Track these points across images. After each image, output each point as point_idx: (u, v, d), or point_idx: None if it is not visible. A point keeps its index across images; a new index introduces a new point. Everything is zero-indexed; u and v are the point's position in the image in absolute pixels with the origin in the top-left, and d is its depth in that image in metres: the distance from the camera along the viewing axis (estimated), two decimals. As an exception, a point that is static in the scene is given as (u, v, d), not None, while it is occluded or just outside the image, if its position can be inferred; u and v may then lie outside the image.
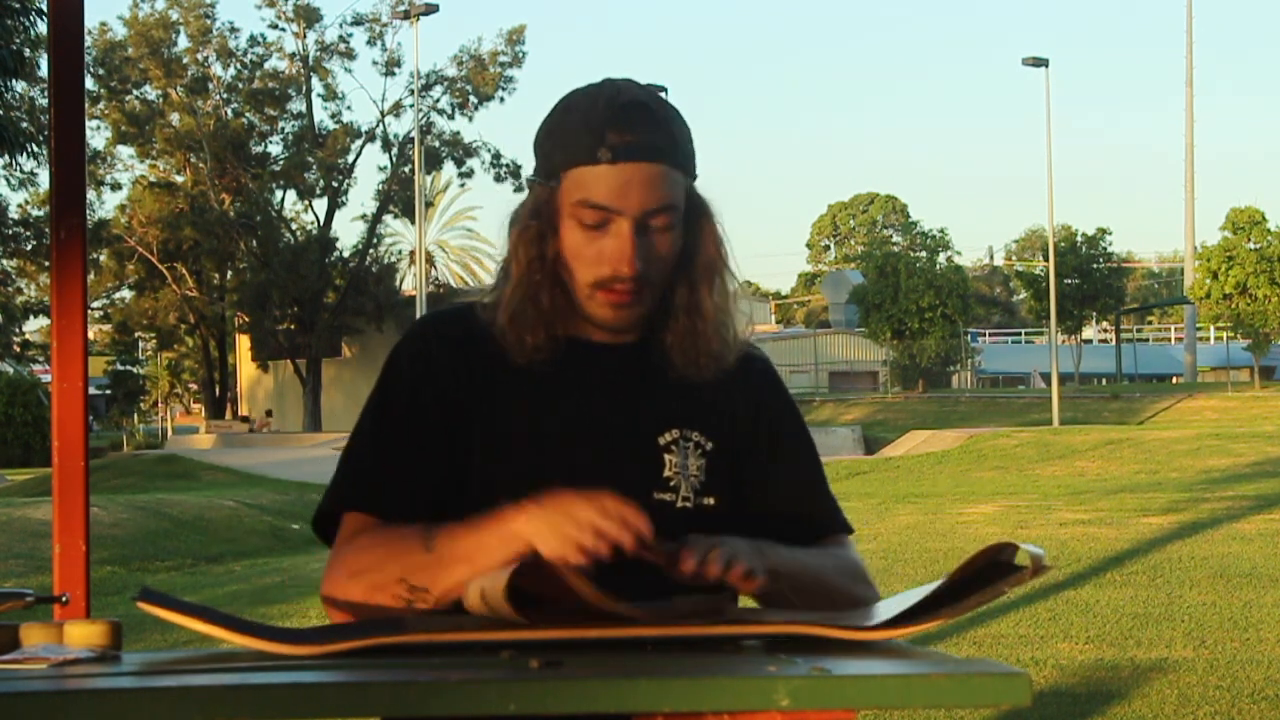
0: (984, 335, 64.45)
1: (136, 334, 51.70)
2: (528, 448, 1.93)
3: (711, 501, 1.96)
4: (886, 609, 1.73)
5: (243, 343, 49.63)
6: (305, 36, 46.40)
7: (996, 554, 1.73)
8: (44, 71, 24.28)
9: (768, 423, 2.04)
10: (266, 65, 46.98)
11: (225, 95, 46.94)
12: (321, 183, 46.52)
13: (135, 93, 46.07)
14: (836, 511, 2.08)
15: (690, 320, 1.95)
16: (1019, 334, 69.55)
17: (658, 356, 1.97)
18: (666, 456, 1.95)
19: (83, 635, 1.66)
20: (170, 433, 52.74)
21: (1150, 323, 76.18)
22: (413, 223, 42.15)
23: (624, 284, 1.89)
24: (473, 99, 45.95)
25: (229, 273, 48.51)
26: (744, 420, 2.02)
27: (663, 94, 1.99)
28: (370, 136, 46.48)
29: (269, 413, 47.36)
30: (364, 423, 1.98)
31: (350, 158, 46.56)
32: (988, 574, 1.72)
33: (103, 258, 46.19)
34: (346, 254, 47.06)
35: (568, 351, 1.95)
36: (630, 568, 1.75)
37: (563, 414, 1.94)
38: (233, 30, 46.57)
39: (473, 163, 47.04)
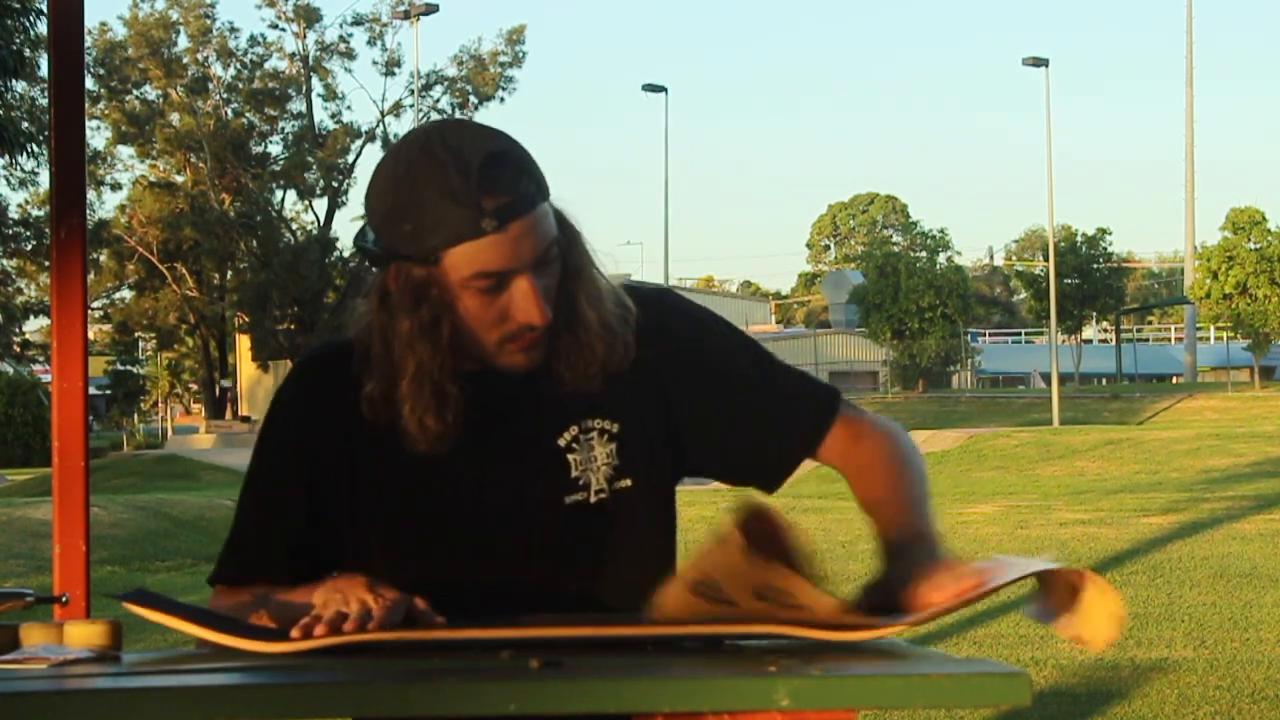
0: (984, 335, 64.43)
1: (136, 334, 51.71)
2: (430, 486, 1.89)
3: (628, 484, 1.92)
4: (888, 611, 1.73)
5: (243, 343, 49.63)
6: (305, 36, 46.42)
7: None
8: (44, 71, 24.27)
9: (690, 367, 1.96)
10: (266, 65, 47.00)
11: (225, 95, 46.94)
12: (321, 183, 46.53)
13: (135, 93, 46.08)
14: (812, 401, 1.99)
15: (575, 335, 1.88)
16: (1019, 334, 69.54)
17: (546, 373, 1.91)
18: (570, 457, 1.91)
19: (83, 635, 1.66)
20: (170, 433, 52.72)
21: (1150, 323, 76.17)
22: (413, 223, 42.10)
23: (532, 332, 1.84)
24: (473, 99, 45.95)
25: (229, 273, 48.52)
26: (659, 379, 1.95)
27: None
28: (370, 136, 46.48)
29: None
30: (243, 488, 1.99)
31: (350, 158, 46.58)
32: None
33: (103, 258, 46.20)
34: (346, 254, 47.05)
35: (462, 384, 1.88)
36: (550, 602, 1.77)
37: (465, 447, 1.88)
38: (233, 30, 46.59)
39: (472, 163, 47.02)
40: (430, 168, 1.79)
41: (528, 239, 1.80)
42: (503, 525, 1.89)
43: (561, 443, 1.91)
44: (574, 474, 1.91)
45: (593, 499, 1.90)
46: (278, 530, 1.95)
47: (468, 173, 1.78)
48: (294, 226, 47.85)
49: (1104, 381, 52.43)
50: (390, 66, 46.34)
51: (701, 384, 1.97)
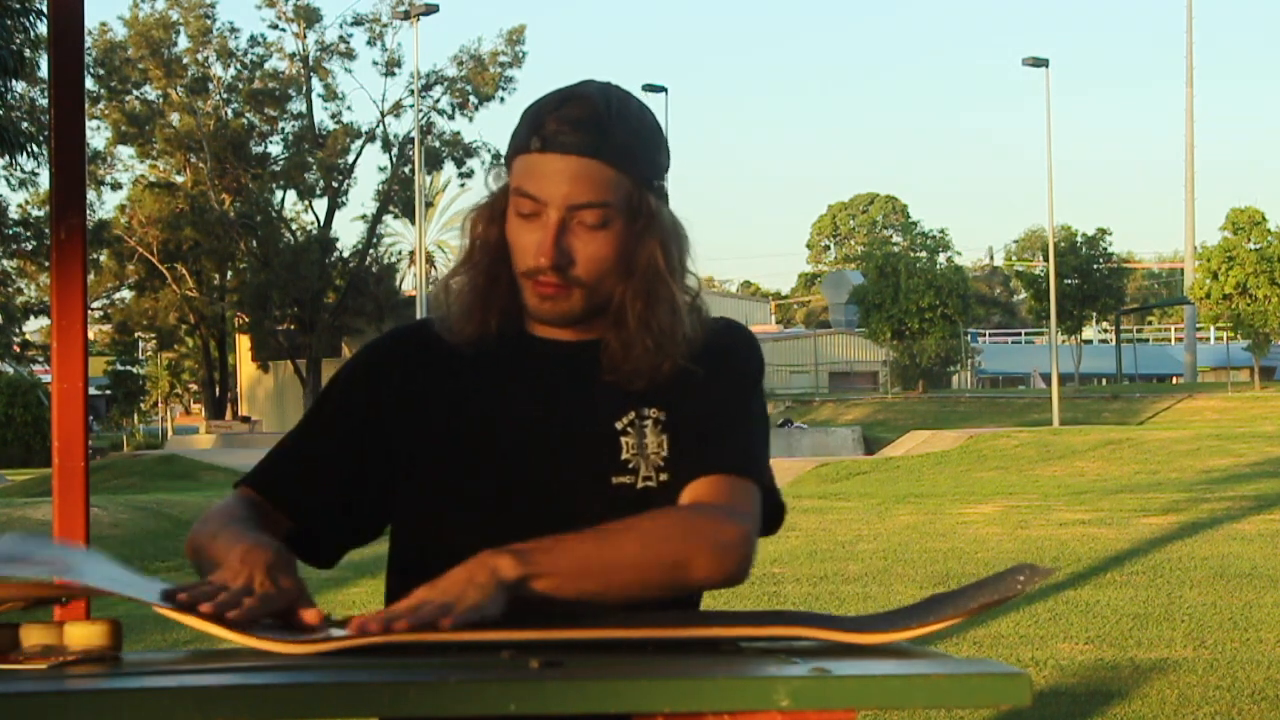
0: (984, 335, 64.46)
1: (136, 334, 51.72)
2: (480, 445, 1.94)
3: (668, 477, 1.92)
4: (891, 615, 1.73)
5: (243, 343, 49.64)
6: (305, 37, 46.45)
7: (1014, 573, 1.75)
8: (44, 71, 24.29)
9: (707, 378, 1.96)
10: (266, 65, 47.04)
11: (225, 95, 46.97)
12: (321, 183, 46.55)
13: (135, 93, 46.10)
14: (727, 452, 1.91)
15: (625, 328, 1.92)
16: (1019, 334, 69.56)
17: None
18: (623, 439, 1.93)
19: (83, 635, 1.66)
20: (170, 433, 52.74)
21: (1150, 323, 76.18)
22: (413, 223, 42.18)
23: (546, 275, 1.89)
24: (473, 99, 45.99)
25: (229, 273, 48.54)
26: (701, 386, 1.95)
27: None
28: (370, 137, 46.53)
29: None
30: (301, 420, 2.07)
31: (350, 158, 46.61)
32: (996, 582, 1.73)
33: (103, 258, 46.21)
34: (346, 254, 47.10)
35: (521, 346, 1.97)
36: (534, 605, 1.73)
37: (516, 410, 1.95)
38: (233, 30, 46.65)
39: (473, 163, 47.12)
40: (544, 97, 1.94)
41: (564, 176, 1.86)
42: (547, 496, 1.92)
43: (618, 425, 1.94)
44: (624, 456, 1.93)
45: (639, 484, 1.92)
46: (319, 460, 2.00)
47: (555, 99, 1.91)
48: (294, 226, 47.88)
49: (1104, 382, 52.45)
50: (390, 66, 46.41)
51: (689, 404, 1.96)
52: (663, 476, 1.93)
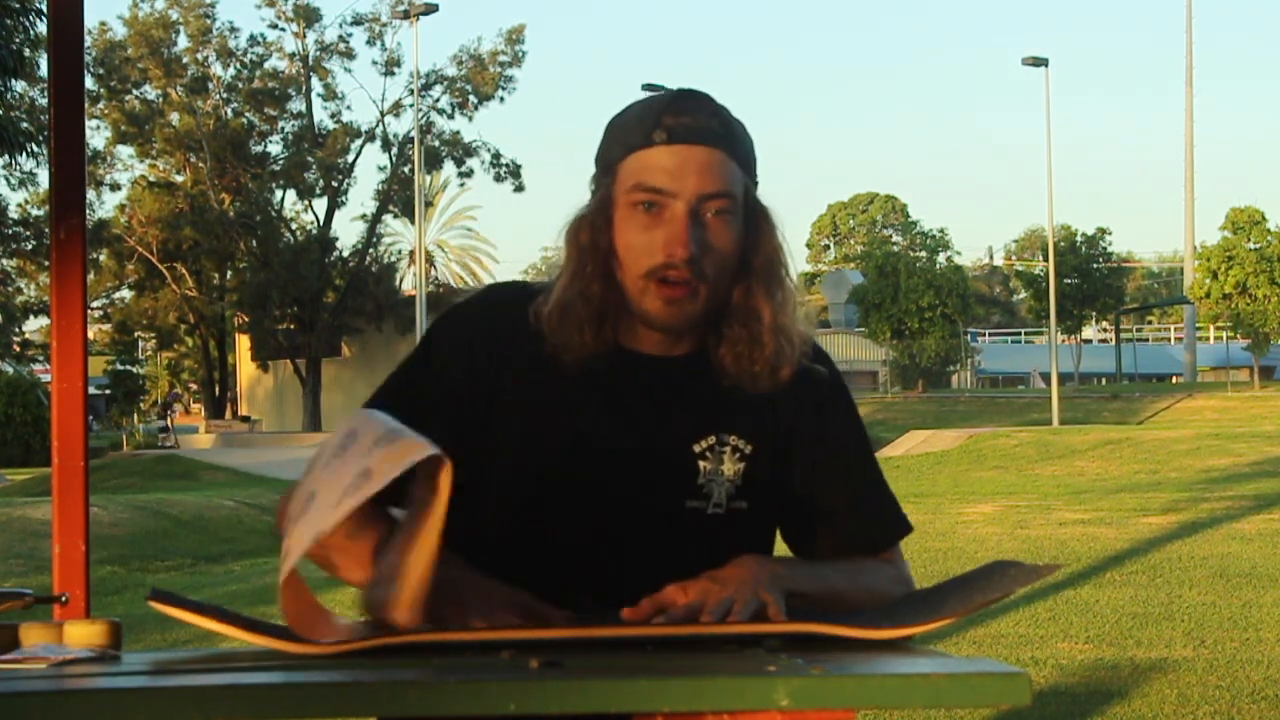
0: (984, 335, 64.44)
1: (136, 334, 51.68)
2: (559, 456, 1.91)
3: (744, 505, 1.94)
4: (894, 611, 1.73)
5: (243, 343, 49.62)
6: (305, 36, 46.41)
7: (1001, 568, 1.76)
8: (44, 71, 24.26)
9: (809, 435, 1.99)
10: (266, 65, 46.99)
11: (225, 95, 46.93)
12: (321, 183, 46.51)
13: (135, 93, 46.06)
14: (878, 527, 2.03)
15: (746, 327, 1.90)
16: (1019, 334, 69.53)
17: (710, 367, 1.93)
18: (701, 463, 1.92)
19: (82, 635, 1.66)
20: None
21: (1150, 323, 76.17)
22: (412, 223, 42.15)
23: (678, 271, 1.84)
24: (472, 99, 45.95)
25: (229, 273, 48.50)
26: (787, 427, 1.97)
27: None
28: (370, 136, 46.49)
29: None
30: (387, 382, 1.99)
31: (350, 158, 46.56)
32: (995, 578, 1.74)
33: (103, 258, 46.16)
34: (346, 254, 47.07)
35: (617, 360, 1.92)
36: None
37: (601, 424, 1.92)
38: (233, 30, 46.56)
39: (472, 162, 47.06)
40: (645, 99, 1.93)
41: (692, 166, 1.85)
42: (618, 509, 1.91)
43: (697, 449, 1.92)
44: (700, 481, 1.92)
45: (710, 510, 1.92)
46: (429, 402, 1.93)
47: (668, 95, 1.90)
48: (294, 226, 47.84)
49: (1104, 381, 52.43)
50: (390, 66, 46.36)
51: (812, 456, 1.99)
52: (738, 504, 1.93)
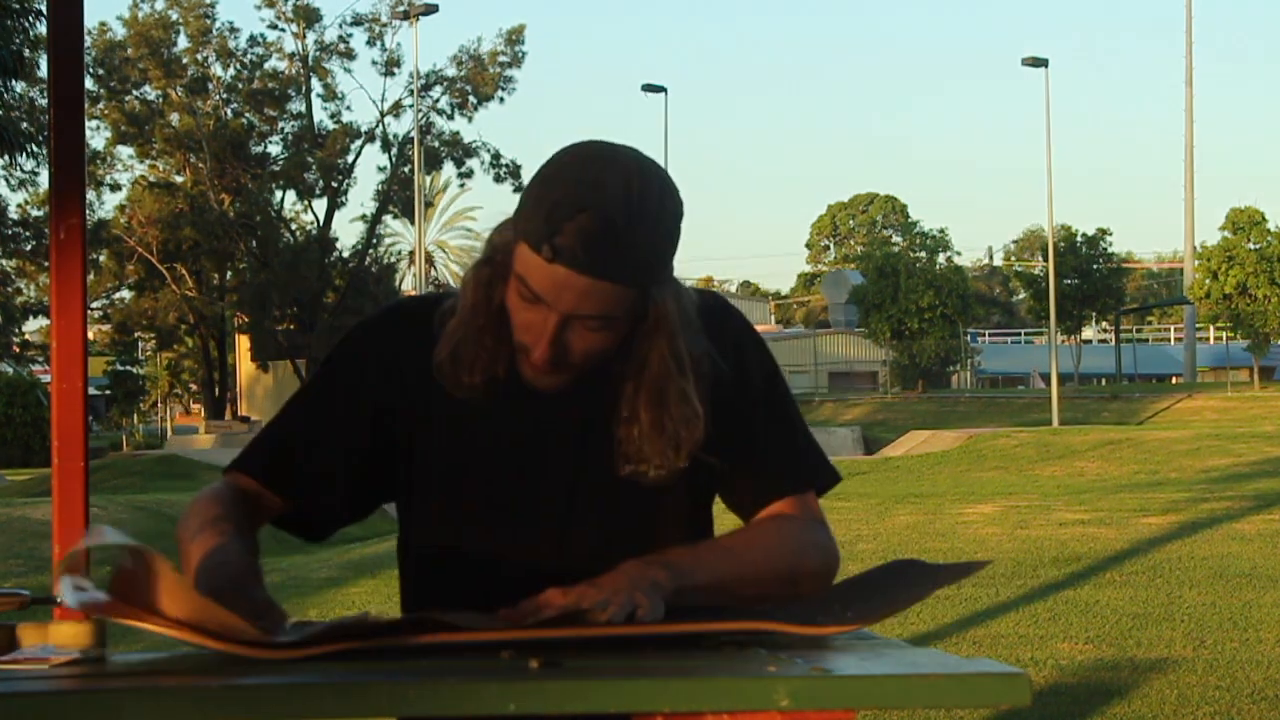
0: (984, 335, 64.44)
1: (136, 334, 51.69)
2: (485, 452, 1.95)
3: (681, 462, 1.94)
4: (818, 607, 1.75)
5: (242, 343, 49.63)
6: (305, 37, 46.43)
7: (907, 567, 1.81)
8: (44, 71, 24.28)
9: (728, 382, 1.97)
10: (266, 65, 47.00)
11: (225, 95, 46.95)
12: (321, 183, 46.53)
13: (135, 93, 46.07)
14: (793, 472, 2.01)
15: (629, 428, 1.90)
16: (1019, 334, 69.55)
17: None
18: (627, 428, 1.92)
19: (68, 634, 1.67)
20: (170, 433, 52.71)
21: (1150, 323, 76.19)
22: (412, 223, 42.18)
23: (543, 363, 1.87)
24: (472, 99, 45.96)
25: (229, 273, 48.52)
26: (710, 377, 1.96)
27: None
28: (370, 136, 46.51)
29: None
30: (292, 398, 2.05)
31: (350, 158, 46.59)
32: (913, 576, 1.78)
33: (103, 258, 46.17)
34: (346, 254, 47.09)
35: (512, 383, 1.93)
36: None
37: (520, 412, 1.94)
38: (232, 30, 46.59)
39: (472, 163, 47.10)
40: (571, 180, 1.80)
41: (570, 293, 1.80)
42: (556, 492, 1.94)
43: (622, 415, 1.92)
44: (630, 447, 1.92)
45: (652, 472, 1.91)
46: (316, 445, 1.99)
47: (577, 202, 1.77)
48: (293, 227, 47.87)
49: (1103, 381, 52.45)
50: (390, 66, 46.38)
51: (730, 401, 1.98)
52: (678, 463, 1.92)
